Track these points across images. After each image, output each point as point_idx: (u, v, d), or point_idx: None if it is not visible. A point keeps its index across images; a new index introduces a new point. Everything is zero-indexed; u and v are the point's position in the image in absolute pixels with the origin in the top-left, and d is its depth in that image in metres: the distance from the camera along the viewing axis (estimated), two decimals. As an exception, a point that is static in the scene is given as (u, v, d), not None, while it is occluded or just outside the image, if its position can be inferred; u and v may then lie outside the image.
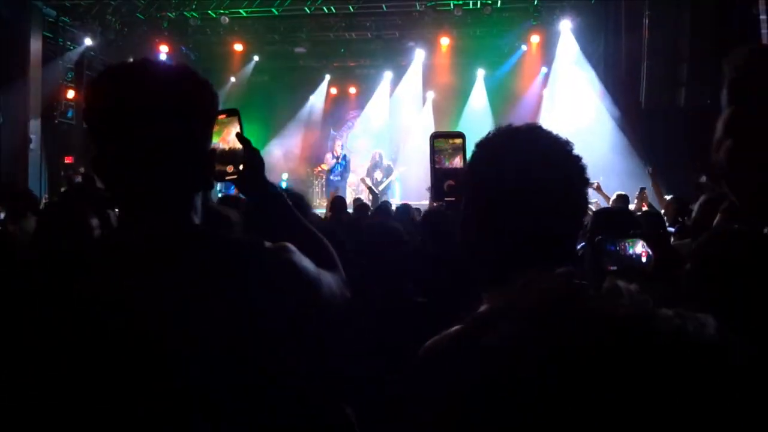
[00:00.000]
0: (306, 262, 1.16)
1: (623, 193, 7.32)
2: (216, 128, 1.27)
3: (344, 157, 14.03)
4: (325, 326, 1.26)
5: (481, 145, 1.10)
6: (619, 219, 2.76)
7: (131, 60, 1.15)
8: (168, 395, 0.97)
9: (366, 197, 12.01)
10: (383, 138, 15.79)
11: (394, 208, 6.72)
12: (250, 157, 1.34)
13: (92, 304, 0.98)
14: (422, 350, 0.98)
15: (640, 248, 1.66)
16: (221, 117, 1.32)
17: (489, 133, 1.10)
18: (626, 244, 1.67)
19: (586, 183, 1.06)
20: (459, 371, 0.90)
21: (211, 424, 1.00)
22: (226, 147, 1.33)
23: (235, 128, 1.34)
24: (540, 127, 1.08)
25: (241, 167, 1.32)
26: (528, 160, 1.02)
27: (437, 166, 1.38)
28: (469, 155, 1.38)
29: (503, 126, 1.10)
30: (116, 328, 0.97)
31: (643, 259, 1.65)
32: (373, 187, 12.39)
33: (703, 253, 1.73)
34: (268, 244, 1.13)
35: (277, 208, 1.37)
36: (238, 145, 1.35)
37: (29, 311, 0.99)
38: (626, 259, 1.65)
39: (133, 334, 0.97)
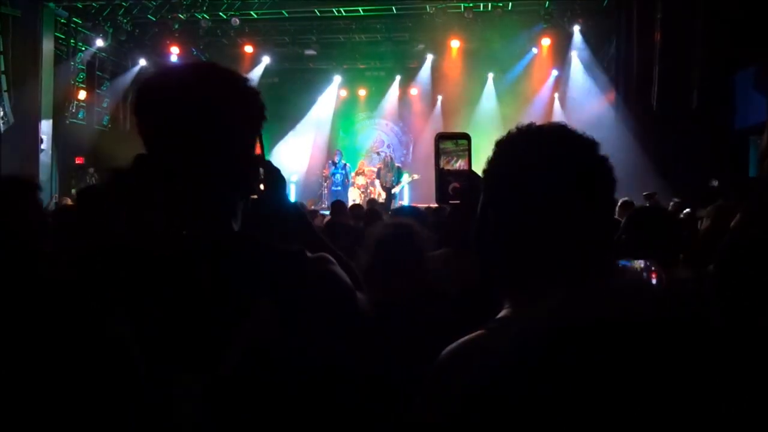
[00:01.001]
0: (344, 273, 1.14)
1: (628, 200, 7.24)
2: None
3: (343, 166, 14.02)
4: (360, 338, 1.24)
5: (502, 144, 1.04)
6: (653, 220, 2.73)
7: (186, 62, 1.13)
8: (203, 408, 0.96)
9: (378, 198, 12.02)
10: (393, 141, 15.80)
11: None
12: (271, 176, 1.29)
13: (128, 307, 0.97)
14: (443, 355, 0.96)
15: (649, 271, 1.63)
16: None
17: (510, 132, 1.04)
18: (636, 265, 1.64)
19: (613, 183, 1.00)
20: (475, 376, 0.87)
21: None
22: None
23: (256, 146, 1.32)
24: (566, 127, 1.03)
25: (261, 186, 1.27)
26: (554, 160, 0.97)
27: (442, 168, 1.34)
28: (474, 157, 1.35)
29: (525, 125, 1.04)
30: (151, 335, 0.96)
31: (653, 281, 1.62)
32: (387, 189, 12.39)
33: (730, 258, 1.71)
34: (309, 253, 1.11)
35: (298, 230, 1.34)
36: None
37: (59, 312, 0.98)
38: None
39: (167, 340, 0.97)
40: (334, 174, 14.00)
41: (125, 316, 0.97)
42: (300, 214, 1.39)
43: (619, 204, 7.07)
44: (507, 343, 0.86)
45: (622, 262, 1.65)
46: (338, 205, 7.05)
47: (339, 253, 1.33)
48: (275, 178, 1.30)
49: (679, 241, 2.68)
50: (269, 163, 1.29)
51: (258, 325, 0.99)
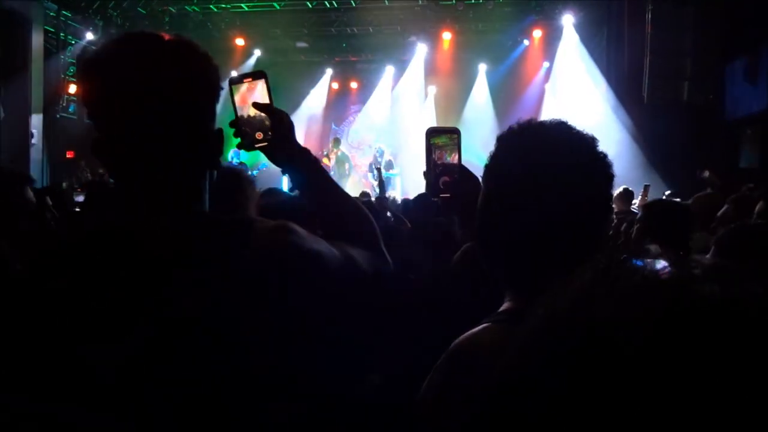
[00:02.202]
0: (307, 241, 1.09)
1: (629, 188, 7.20)
2: (242, 94, 1.22)
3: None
4: (354, 301, 1.20)
5: (504, 140, 1.07)
6: (674, 213, 2.75)
7: (126, 34, 1.08)
8: (169, 382, 0.95)
9: (371, 191, 12.01)
10: (385, 133, 15.79)
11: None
12: (279, 122, 1.24)
13: (92, 294, 0.96)
14: (453, 347, 0.96)
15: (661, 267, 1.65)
16: (247, 80, 1.24)
17: (511, 127, 1.07)
18: (650, 262, 1.66)
19: (611, 179, 1.03)
20: (494, 367, 0.88)
21: (212, 410, 0.97)
22: (254, 113, 1.24)
23: (263, 92, 1.24)
24: (566, 123, 1.06)
25: (270, 133, 1.23)
26: (555, 155, 1.00)
27: (433, 162, 1.36)
28: (466, 147, 1.37)
29: (526, 120, 1.07)
30: (125, 303, 0.96)
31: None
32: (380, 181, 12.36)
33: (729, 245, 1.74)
34: (262, 223, 1.08)
35: (311, 175, 1.28)
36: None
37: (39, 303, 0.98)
38: None
39: (139, 309, 0.96)
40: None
41: (73, 294, 0.96)
42: (315, 162, 1.33)
43: (618, 193, 7.06)
44: (527, 334, 0.87)
45: (637, 262, 1.67)
46: None
47: (354, 201, 1.29)
48: (282, 122, 1.25)
49: (689, 232, 2.71)
50: (275, 109, 1.24)
51: (190, 296, 0.97)
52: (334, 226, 1.20)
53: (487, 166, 1.08)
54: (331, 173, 13.95)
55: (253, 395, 1.00)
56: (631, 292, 0.86)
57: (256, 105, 1.23)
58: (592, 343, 0.82)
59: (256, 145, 1.24)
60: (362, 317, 1.72)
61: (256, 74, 1.26)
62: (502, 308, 1.00)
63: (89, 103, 1.03)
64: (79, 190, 9.86)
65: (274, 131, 1.23)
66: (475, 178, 1.19)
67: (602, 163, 1.02)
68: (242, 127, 1.22)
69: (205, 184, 1.10)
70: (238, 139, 1.25)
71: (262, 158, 1.35)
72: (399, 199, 8.83)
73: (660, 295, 0.68)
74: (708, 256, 2.17)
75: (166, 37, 1.06)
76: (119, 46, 1.05)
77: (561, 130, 1.04)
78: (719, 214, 3.46)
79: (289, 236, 1.08)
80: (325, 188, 1.29)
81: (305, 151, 1.29)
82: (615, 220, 6.16)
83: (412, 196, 8.89)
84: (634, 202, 6.93)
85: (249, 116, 1.24)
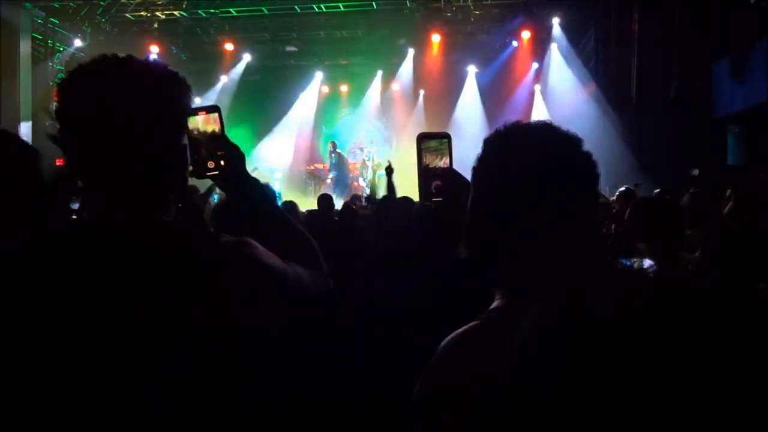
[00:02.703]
0: (267, 257, 1.15)
1: (630, 188, 7.21)
2: (197, 125, 1.27)
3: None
4: (302, 318, 1.25)
5: (491, 142, 1.09)
6: (663, 210, 2.76)
7: (100, 57, 1.15)
8: (126, 394, 0.97)
9: (362, 194, 12.03)
10: (375, 136, 15.81)
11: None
12: (230, 152, 1.32)
13: (50, 302, 0.99)
14: (444, 344, 0.97)
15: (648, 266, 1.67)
16: (201, 114, 1.30)
17: (498, 129, 1.09)
18: (637, 263, 1.68)
19: (597, 179, 1.06)
20: (487, 365, 0.89)
21: (173, 421, 0.99)
22: (207, 143, 1.31)
23: (216, 125, 1.32)
24: (551, 124, 1.08)
25: (222, 163, 1.31)
26: (541, 156, 1.02)
27: (424, 167, 1.39)
28: (457, 149, 1.39)
29: (512, 123, 1.09)
30: (71, 329, 0.98)
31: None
32: (368, 186, 12.42)
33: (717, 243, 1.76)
34: (226, 238, 1.12)
35: (255, 201, 1.36)
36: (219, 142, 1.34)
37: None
38: None
39: (86, 330, 0.98)
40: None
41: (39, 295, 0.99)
42: (264, 190, 1.40)
43: (619, 192, 7.08)
44: (522, 331, 0.89)
45: (624, 261, 1.69)
46: (325, 200, 7.06)
47: (300, 228, 1.36)
48: (233, 153, 1.32)
49: (681, 230, 2.71)
50: (227, 139, 1.31)
51: (154, 308, 1.00)
52: (279, 247, 1.24)
53: (474, 168, 1.10)
54: (331, 174, 13.95)
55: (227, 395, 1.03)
56: (619, 292, 0.88)
57: (209, 136, 1.31)
58: (586, 338, 0.84)
59: (207, 173, 1.31)
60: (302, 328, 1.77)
61: (210, 108, 1.32)
62: (492, 306, 1.02)
63: (63, 116, 1.10)
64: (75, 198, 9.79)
65: (225, 161, 1.31)
66: (466, 181, 1.21)
67: (588, 163, 1.05)
68: (194, 156, 1.28)
69: (171, 196, 1.16)
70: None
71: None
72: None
73: (645, 293, 0.71)
74: (696, 255, 2.19)
75: (133, 59, 1.14)
76: (94, 67, 1.13)
77: (546, 130, 1.07)
78: (726, 210, 3.47)
79: (251, 251, 1.12)
80: (267, 213, 1.36)
81: (254, 180, 1.37)
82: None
83: (401, 195, 8.90)
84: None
85: (203, 145, 1.30)
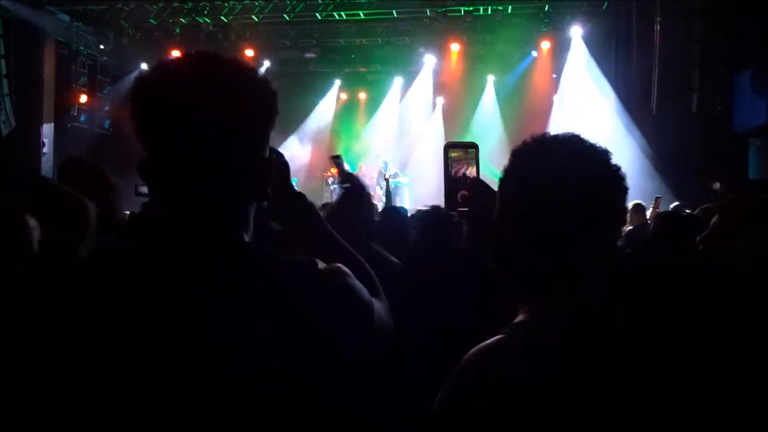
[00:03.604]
0: (360, 287, 1.06)
1: (641, 203, 7.19)
2: None
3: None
4: (376, 353, 1.17)
5: (518, 153, 1.08)
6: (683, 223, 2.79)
7: (185, 54, 1.04)
8: (220, 422, 0.91)
9: (379, 202, 12.04)
10: (393, 144, 15.81)
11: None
12: (279, 167, 1.19)
13: (132, 323, 0.91)
14: (467, 358, 0.95)
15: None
16: None
17: (525, 141, 1.08)
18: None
19: (625, 192, 1.04)
20: (521, 372, 0.88)
21: None
22: None
23: None
24: (579, 136, 1.07)
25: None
26: (568, 169, 1.01)
27: (450, 176, 1.37)
28: (482, 165, 1.38)
29: (540, 134, 1.08)
30: (160, 354, 0.90)
31: None
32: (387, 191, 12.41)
33: None
34: (322, 265, 1.02)
35: (308, 223, 1.25)
36: None
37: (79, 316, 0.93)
38: None
39: (179, 359, 0.91)
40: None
41: (116, 321, 0.91)
42: (311, 207, 1.30)
43: (631, 207, 7.04)
44: (552, 341, 0.87)
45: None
46: None
47: (354, 254, 1.25)
48: (284, 170, 1.22)
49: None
50: (272, 149, 1.16)
51: (257, 341, 0.92)
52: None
53: (501, 180, 1.09)
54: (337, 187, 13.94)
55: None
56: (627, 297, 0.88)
57: None
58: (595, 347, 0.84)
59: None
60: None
61: None
62: (516, 320, 1.01)
63: (139, 120, 1.00)
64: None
65: (275, 177, 1.18)
66: (493, 191, 1.20)
67: (617, 176, 1.03)
68: None
69: (252, 214, 1.06)
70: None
71: None
72: (407, 207, 8.80)
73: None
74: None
75: (226, 58, 1.02)
76: (176, 65, 1.02)
77: (574, 143, 1.05)
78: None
79: (347, 280, 1.04)
80: (323, 238, 1.25)
81: (302, 196, 1.26)
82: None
83: (419, 206, 8.89)
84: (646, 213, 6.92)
85: None
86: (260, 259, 0.99)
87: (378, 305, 1.12)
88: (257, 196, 1.07)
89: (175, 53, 13.57)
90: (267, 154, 1.07)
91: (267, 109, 1.04)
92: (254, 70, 1.03)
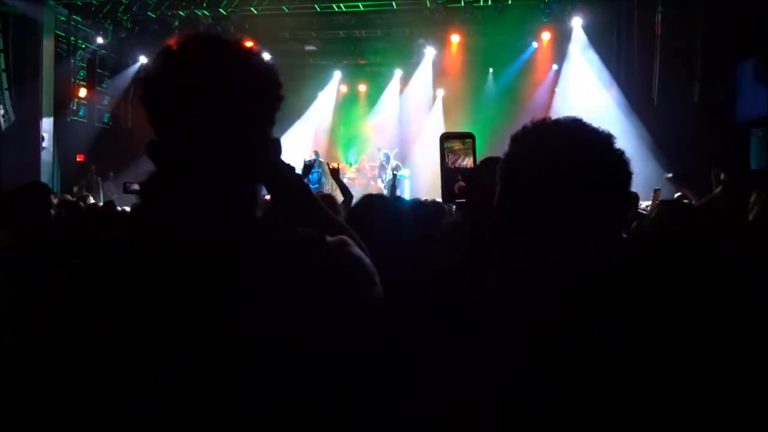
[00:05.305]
0: (365, 256, 1.08)
1: (635, 192, 7.18)
2: None
3: (319, 164, 13.90)
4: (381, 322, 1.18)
5: (518, 138, 1.06)
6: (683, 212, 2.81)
7: (191, 35, 1.04)
8: (223, 395, 0.91)
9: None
10: (393, 136, 15.78)
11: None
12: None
13: (150, 299, 0.92)
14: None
15: None
16: None
17: (525, 126, 1.06)
18: None
19: (630, 176, 1.02)
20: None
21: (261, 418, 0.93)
22: None
23: None
24: (581, 120, 1.04)
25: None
26: (570, 152, 0.99)
27: (448, 167, 1.35)
28: (479, 155, 1.36)
29: (540, 119, 1.06)
30: (174, 327, 0.91)
31: None
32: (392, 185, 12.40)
33: None
34: (330, 238, 1.05)
35: (299, 197, 1.25)
36: None
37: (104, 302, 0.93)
38: None
39: (190, 333, 0.91)
40: (312, 177, 13.93)
41: (132, 311, 0.91)
42: (300, 179, 1.30)
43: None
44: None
45: None
46: (329, 200, 7.15)
47: (353, 234, 1.25)
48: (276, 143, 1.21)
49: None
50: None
51: (276, 313, 0.93)
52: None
53: (500, 165, 1.07)
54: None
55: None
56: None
57: None
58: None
59: None
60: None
61: None
62: None
63: (149, 101, 1.00)
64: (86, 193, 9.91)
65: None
66: (491, 181, 1.17)
67: (620, 160, 1.01)
68: None
69: (259, 194, 1.07)
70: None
71: None
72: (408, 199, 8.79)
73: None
74: None
75: (231, 41, 1.03)
76: (184, 47, 1.02)
77: (577, 127, 1.03)
78: (752, 217, 3.44)
79: (353, 250, 1.06)
80: (315, 213, 1.26)
81: (292, 168, 1.27)
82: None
83: (421, 197, 8.88)
84: (646, 204, 6.90)
85: None
86: (274, 235, 1.01)
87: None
88: (265, 176, 1.09)
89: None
90: (271, 135, 1.09)
91: (277, 91, 1.06)
92: (258, 54, 1.05)
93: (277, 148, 1.09)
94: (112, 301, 0.92)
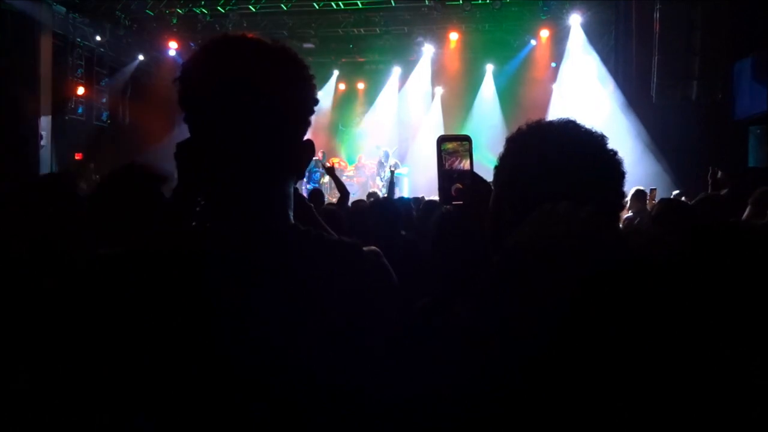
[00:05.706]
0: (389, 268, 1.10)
1: (641, 188, 7.14)
2: None
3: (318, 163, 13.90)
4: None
5: (513, 140, 1.07)
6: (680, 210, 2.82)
7: (227, 36, 1.03)
8: (260, 398, 0.91)
9: (379, 192, 12.03)
10: (392, 133, 15.79)
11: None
12: None
13: (183, 304, 0.92)
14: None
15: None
16: None
17: (520, 128, 1.07)
18: None
19: (623, 176, 1.03)
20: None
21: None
22: None
23: None
24: (575, 122, 1.05)
25: None
26: (563, 153, 1.00)
27: (444, 170, 1.36)
28: (474, 148, 1.37)
29: (535, 121, 1.07)
30: (211, 333, 0.91)
31: None
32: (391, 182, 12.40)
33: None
34: (365, 247, 1.06)
35: (303, 215, 1.28)
36: None
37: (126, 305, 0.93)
38: None
39: (227, 339, 0.91)
40: (314, 177, 13.93)
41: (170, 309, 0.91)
42: (302, 199, 1.33)
43: (632, 194, 7.02)
44: None
45: None
46: (317, 194, 7.31)
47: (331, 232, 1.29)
48: None
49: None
50: None
51: (322, 318, 0.94)
52: None
53: (496, 168, 1.08)
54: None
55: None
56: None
57: None
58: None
59: None
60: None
61: None
62: None
63: (188, 101, 1.00)
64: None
65: None
66: (488, 184, 1.18)
67: (613, 160, 1.02)
68: None
69: (292, 192, 1.07)
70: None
71: None
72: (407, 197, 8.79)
73: None
74: None
75: (268, 42, 1.03)
76: (221, 47, 1.02)
77: (570, 128, 1.04)
78: (745, 216, 3.44)
79: (383, 260, 1.07)
80: (309, 213, 1.33)
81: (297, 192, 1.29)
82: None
83: (420, 195, 8.89)
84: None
85: None
86: (313, 239, 1.02)
87: None
88: (298, 175, 1.09)
89: (172, 44, 13.51)
90: (304, 137, 1.08)
91: (311, 93, 1.05)
92: (296, 55, 1.04)
93: (311, 149, 1.09)
94: (143, 298, 0.92)
